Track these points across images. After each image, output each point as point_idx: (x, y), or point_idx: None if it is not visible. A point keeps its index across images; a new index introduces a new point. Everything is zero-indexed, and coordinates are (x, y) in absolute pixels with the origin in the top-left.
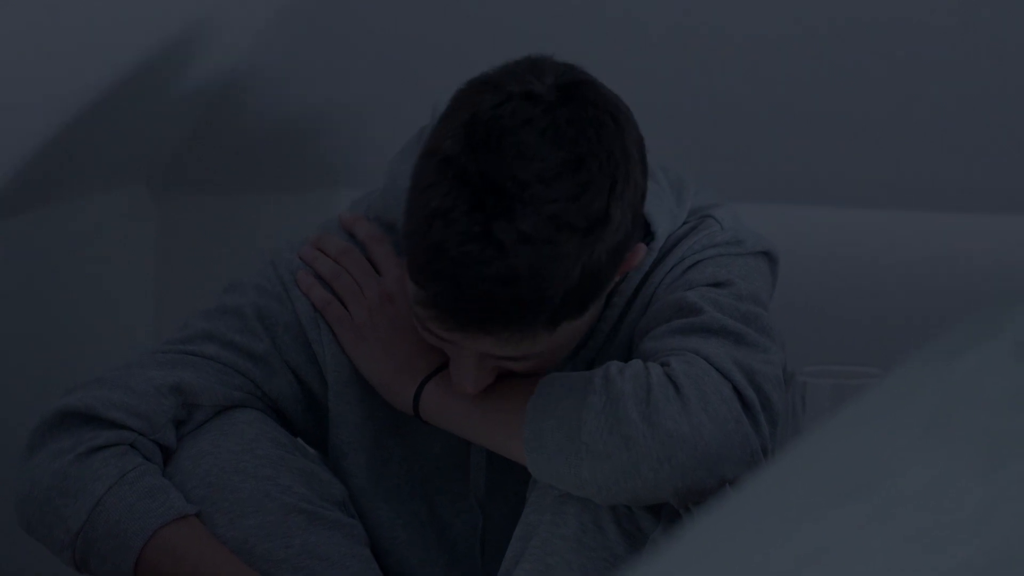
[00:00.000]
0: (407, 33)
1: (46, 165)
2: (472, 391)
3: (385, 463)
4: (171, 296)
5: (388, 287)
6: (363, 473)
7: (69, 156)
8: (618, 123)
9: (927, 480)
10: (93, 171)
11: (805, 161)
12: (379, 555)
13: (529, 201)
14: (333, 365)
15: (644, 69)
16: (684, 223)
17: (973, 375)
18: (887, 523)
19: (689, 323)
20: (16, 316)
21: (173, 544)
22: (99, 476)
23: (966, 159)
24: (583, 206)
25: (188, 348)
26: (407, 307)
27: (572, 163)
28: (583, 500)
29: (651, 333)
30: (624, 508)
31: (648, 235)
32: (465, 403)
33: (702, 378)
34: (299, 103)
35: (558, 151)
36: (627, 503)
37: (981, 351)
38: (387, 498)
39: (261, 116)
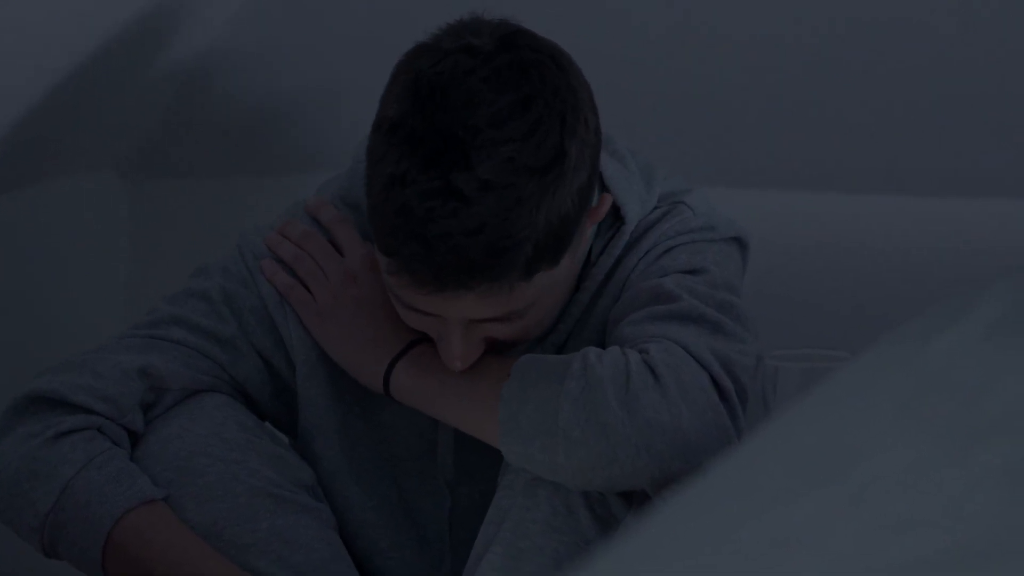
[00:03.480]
0: (385, 15)
1: (14, 149)
2: (462, 366)
3: (354, 445)
4: (143, 282)
5: (351, 267)
6: (333, 455)
7: (38, 140)
8: (559, 65)
9: (901, 464)
10: (63, 155)
11: (777, 146)
12: (348, 539)
13: (482, 147)
14: (300, 348)
15: (626, 58)
16: (655, 208)
17: (944, 358)
18: (860, 507)
19: (667, 310)
20: None
21: (141, 528)
22: (67, 460)
23: (939, 144)
24: (537, 144)
25: (155, 332)
26: (371, 287)
27: (519, 104)
28: (555, 484)
29: (628, 319)
30: (596, 493)
31: (618, 220)
32: (437, 381)
33: (681, 367)
34: (274, 86)
35: (503, 94)
36: (602, 489)
37: (952, 334)
38: (357, 480)
39: (235, 99)
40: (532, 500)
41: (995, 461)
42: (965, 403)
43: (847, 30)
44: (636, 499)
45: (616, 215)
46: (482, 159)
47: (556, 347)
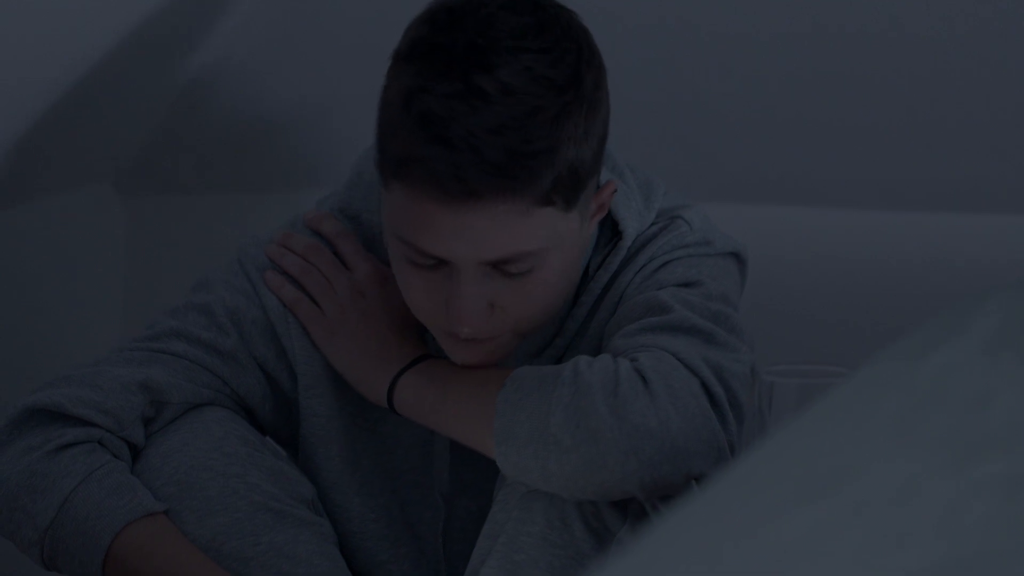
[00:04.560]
0: (382, 29)
1: (11, 164)
2: (470, 330)
3: (356, 457)
4: (140, 297)
5: (358, 281)
6: (334, 467)
7: (35, 155)
8: (573, 15)
9: (896, 479)
10: (60, 170)
11: (774, 161)
12: (348, 553)
13: (503, 52)
14: (303, 360)
15: (626, 64)
16: (653, 224)
17: (942, 372)
18: (856, 522)
19: (660, 321)
20: None
21: (141, 542)
22: (67, 473)
23: (935, 159)
24: (555, 61)
25: (156, 346)
26: (379, 301)
27: (536, 26)
28: (550, 497)
29: (621, 331)
30: (591, 506)
31: (616, 235)
32: (439, 394)
33: (670, 373)
34: (272, 101)
35: (521, 18)
36: (594, 497)
37: (949, 348)
38: (359, 492)
39: (233, 114)
40: (527, 513)
41: (992, 474)
42: (962, 416)
43: (843, 44)
44: (632, 511)
45: (614, 230)
46: (502, 63)
47: (554, 360)
